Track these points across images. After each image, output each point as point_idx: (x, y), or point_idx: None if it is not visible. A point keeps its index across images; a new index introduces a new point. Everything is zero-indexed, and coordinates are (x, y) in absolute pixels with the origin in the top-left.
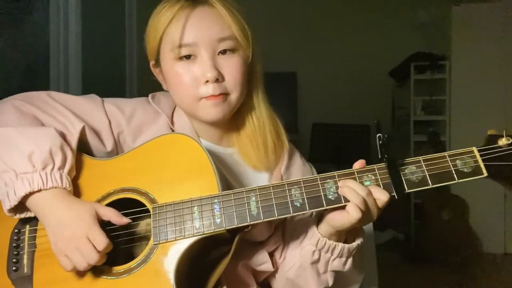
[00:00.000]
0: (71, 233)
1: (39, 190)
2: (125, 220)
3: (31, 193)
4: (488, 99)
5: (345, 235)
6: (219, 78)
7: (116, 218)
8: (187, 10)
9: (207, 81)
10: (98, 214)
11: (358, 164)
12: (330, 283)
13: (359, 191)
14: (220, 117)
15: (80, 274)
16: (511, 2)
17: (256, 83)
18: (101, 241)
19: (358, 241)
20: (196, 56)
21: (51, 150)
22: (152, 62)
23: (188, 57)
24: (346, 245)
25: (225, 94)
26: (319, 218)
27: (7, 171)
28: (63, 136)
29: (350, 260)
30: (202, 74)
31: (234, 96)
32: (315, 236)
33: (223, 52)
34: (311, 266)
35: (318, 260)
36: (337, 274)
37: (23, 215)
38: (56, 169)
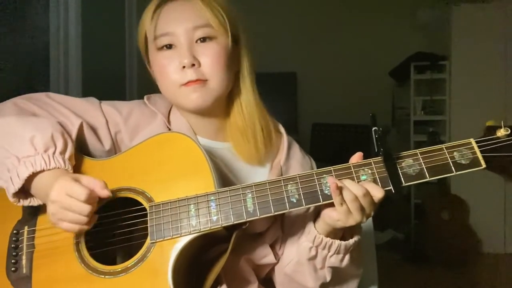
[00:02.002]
0: (55, 195)
1: (42, 171)
2: (107, 192)
3: (34, 174)
4: (488, 99)
5: (342, 231)
6: (195, 64)
7: (100, 190)
8: (163, 3)
9: (184, 67)
10: (79, 178)
11: (356, 157)
12: (328, 279)
13: (354, 191)
14: (200, 103)
15: (78, 273)
16: (511, 2)
17: (243, 71)
18: (79, 191)
19: (355, 238)
20: (176, 45)
21: (53, 134)
22: (146, 59)
23: (169, 47)
24: (343, 242)
25: (203, 80)
26: (316, 215)
27: (9, 157)
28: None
29: (347, 257)
30: (179, 61)
31: (213, 82)
32: (312, 233)
33: (203, 40)
34: (308, 262)
35: (315, 257)
36: (335, 269)
37: (26, 202)
38: (58, 153)
